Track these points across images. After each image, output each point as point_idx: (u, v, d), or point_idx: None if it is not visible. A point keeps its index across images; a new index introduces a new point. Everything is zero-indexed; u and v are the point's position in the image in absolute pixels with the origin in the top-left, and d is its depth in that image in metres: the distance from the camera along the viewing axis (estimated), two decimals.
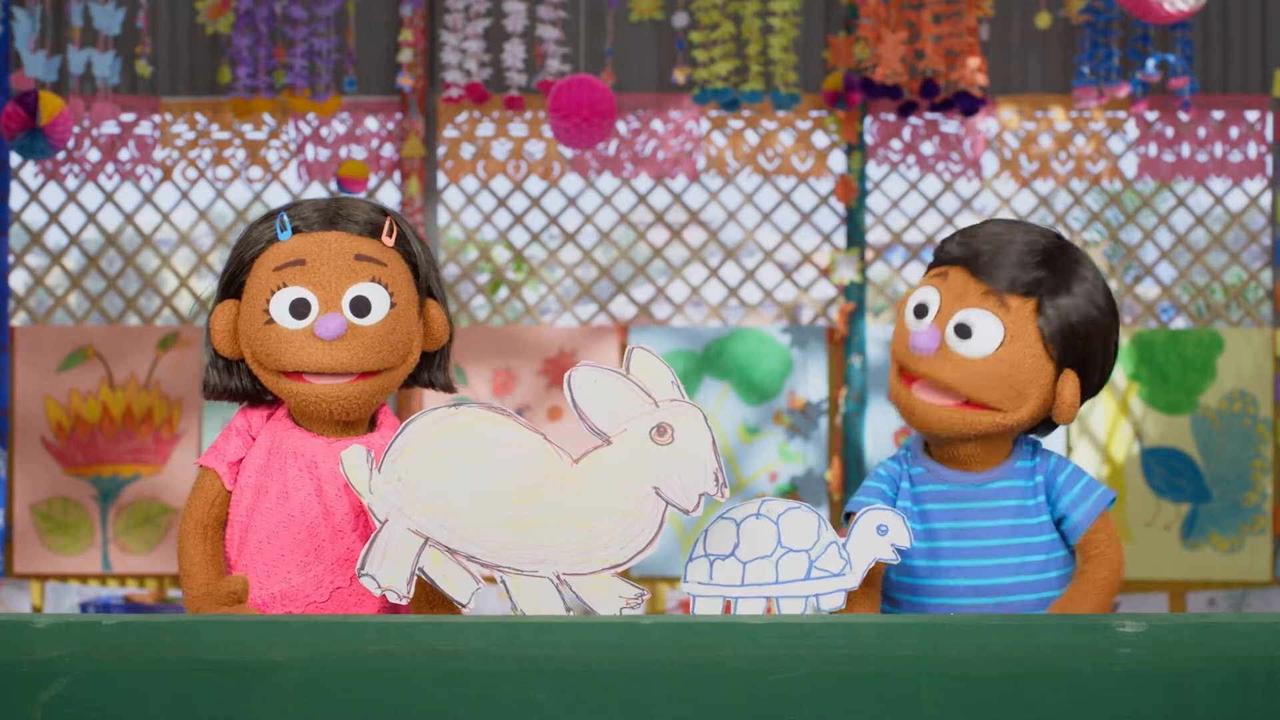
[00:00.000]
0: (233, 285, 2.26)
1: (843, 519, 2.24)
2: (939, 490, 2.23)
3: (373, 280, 2.20)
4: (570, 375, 1.91)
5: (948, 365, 2.14)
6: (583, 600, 1.91)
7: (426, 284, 2.29)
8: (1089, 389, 2.22)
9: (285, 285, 2.18)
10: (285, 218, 2.23)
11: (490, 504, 1.92)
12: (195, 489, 2.27)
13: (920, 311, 2.17)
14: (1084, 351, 2.19)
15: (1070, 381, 2.19)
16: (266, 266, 2.21)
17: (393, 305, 2.21)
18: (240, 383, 2.27)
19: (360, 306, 2.19)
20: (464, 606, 1.94)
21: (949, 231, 7.07)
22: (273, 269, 2.19)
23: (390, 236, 2.25)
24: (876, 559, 1.97)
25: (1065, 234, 7.40)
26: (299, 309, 2.18)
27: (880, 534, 1.97)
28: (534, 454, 1.92)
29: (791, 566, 1.96)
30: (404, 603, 1.96)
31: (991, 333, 2.13)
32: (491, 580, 1.94)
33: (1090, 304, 2.17)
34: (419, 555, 1.93)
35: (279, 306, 2.18)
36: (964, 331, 2.13)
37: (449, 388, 2.36)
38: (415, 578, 1.93)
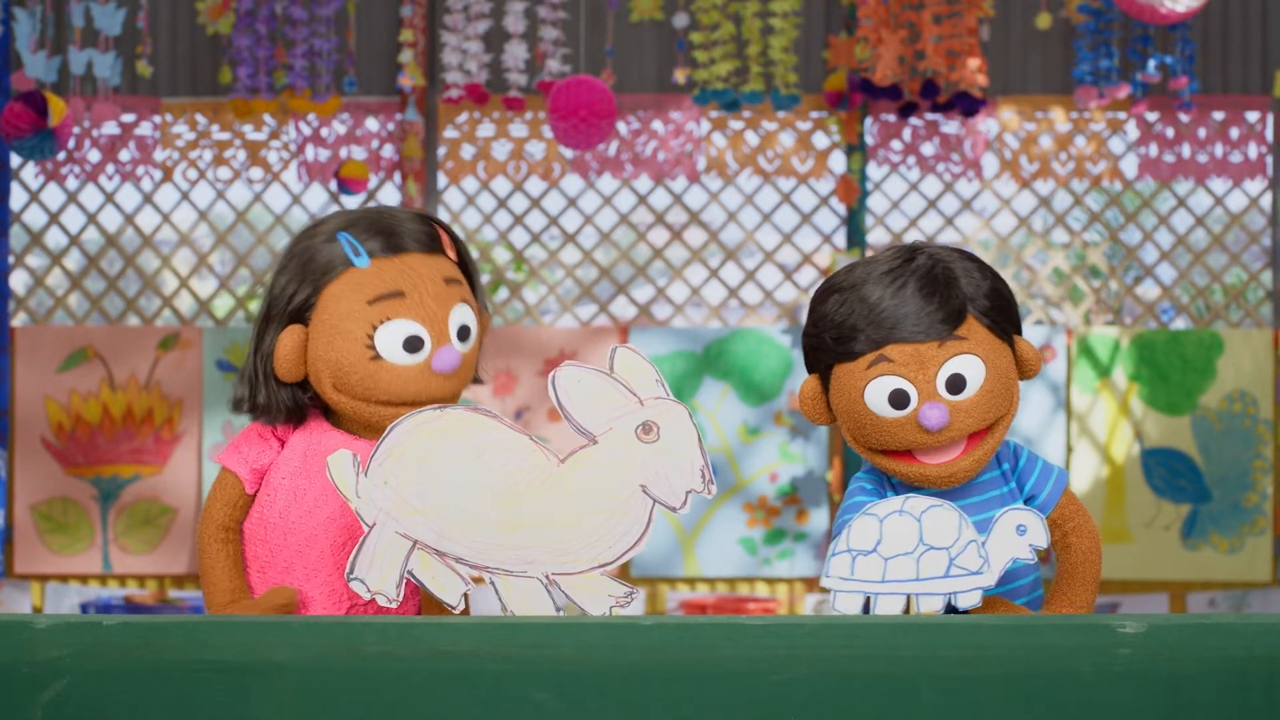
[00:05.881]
0: (301, 309, 2.21)
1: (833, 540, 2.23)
2: (929, 495, 2.23)
3: (463, 302, 2.23)
4: (555, 375, 1.91)
5: (960, 419, 2.13)
6: (573, 599, 1.91)
7: (480, 293, 2.32)
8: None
9: (390, 319, 2.17)
10: (355, 241, 2.20)
11: (478, 505, 1.92)
12: (215, 489, 2.25)
13: (898, 398, 2.14)
14: (1013, 311, 2.21)
15: (1022, 341, 2.20)
16: (355, 297, 2.18)
17: (480, 325, 2.25)
18: (286, 403, 2.25)
19: (464, 334, 2.22)
20: (453, 608, 1.94)
21: (949, 232, 7.10)
22: (367, 301, 2.17)
23: (453, 250, 2.26)
24: (1015, 559, 1.98)
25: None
26: (413, 345, 2.18)
27: (1019, 534, 1.97)
28: (521, 455, 1.92)
29: (932, 564, 1.96)
30: (394, 606, 1.95)
31: (976, 369, 2.13)
32: (480, 581, 1.94)
33: (982, 276, 2.17)
34: (408, 558, 1.93)
35: (389, 342, 2.17)
36: (958, 385, 2.13)
37: (480, 380, 2.37)
38: (405, 580, 1.93)
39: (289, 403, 2.24)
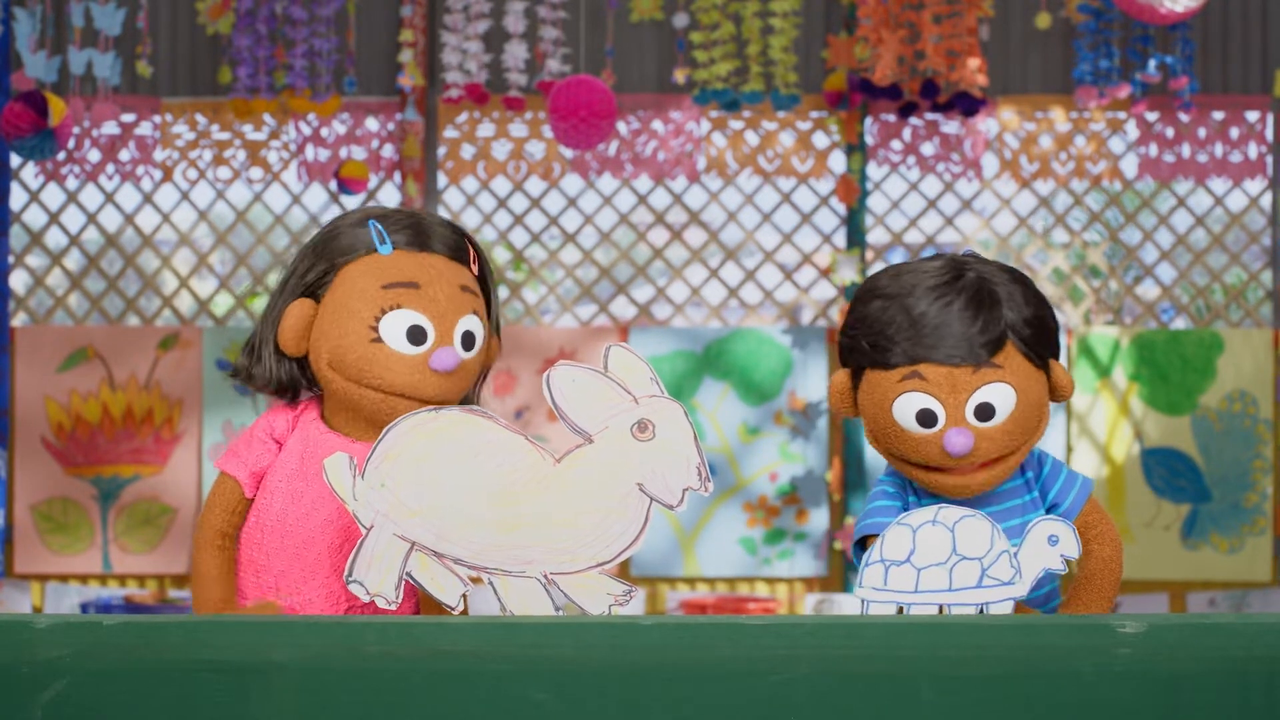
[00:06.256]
0: (315, 286, 2.22)
1: (853, 545, 2.22)
2: (960, 505, 2.22)
3: (473, 313, 2.21)
4: (549, 375, 1.91)
5: (985, 445, 2.13)
6: (571, 599, 1.91)
7: (495, 316, 2.31)
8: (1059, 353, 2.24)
9: (399, 307, 2.17)
10: (382, 229, 2.21)
11: (475, 506, 1.91)
12: (214, 494, 2.25)
13: (926, 417, 2.14)
14: (1053, 338, 2.20)
15: (1057, 367, 2.20)
16: (370, 280, 2.18)
17: (484, 339, 2.24)
18: (284, 376, 2.25)
19: (468, 341, 2.21)
20: (452, 609, 1.94)
21: (949, 232, 7.10)
22: (381, 285, 2.18)
23: (475, 265, 2.26)
24: (1046, 569, 1.98)
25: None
26: (416, 336, 2.17)
27: (1051, 544, 1.97)
28: (517, 455, 1.92)
29: (964, 574, 1.96)
30: (393, 608, 1.95)
31: (1006, 398, 2.13)
32: (479, 581, 1.94)
33: (1025, 301, 2.16)
34: (406, 559, 1.93)
35: (393, 329, 2.16)
36: (987, 413, 2.13)
37: (473, 403, 2.36)
38: (404, 582, 1.93)
39: (284, 377, 2.25)
